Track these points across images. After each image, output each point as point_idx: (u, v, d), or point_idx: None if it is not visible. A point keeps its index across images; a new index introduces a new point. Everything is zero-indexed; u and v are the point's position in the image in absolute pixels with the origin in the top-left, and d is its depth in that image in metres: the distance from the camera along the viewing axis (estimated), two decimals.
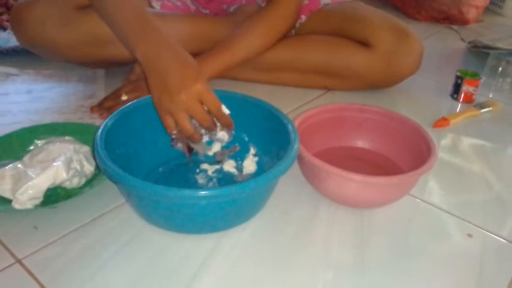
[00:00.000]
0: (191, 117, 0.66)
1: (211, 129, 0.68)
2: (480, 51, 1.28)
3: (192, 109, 0.64)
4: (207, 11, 1.11)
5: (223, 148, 0.72)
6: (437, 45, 1.43)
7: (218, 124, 0.69)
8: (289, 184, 0.71)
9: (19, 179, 0.63)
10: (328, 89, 1.06)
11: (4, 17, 1.30)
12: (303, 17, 1.06)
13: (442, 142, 0.89)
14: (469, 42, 1.37)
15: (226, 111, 0.67)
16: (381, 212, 0.69)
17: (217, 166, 0.73)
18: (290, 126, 0.66)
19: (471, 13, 1.62)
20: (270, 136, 0.71)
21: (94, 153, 0.61)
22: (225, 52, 0.93)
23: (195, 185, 0.70)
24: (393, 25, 0.97)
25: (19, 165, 0.66)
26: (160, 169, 0.73)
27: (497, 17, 1.78)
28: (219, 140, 0.71)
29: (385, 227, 0.66)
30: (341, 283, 0.56)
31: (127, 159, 0.67)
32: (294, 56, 1.01)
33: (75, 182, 0.67)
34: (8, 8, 1.33)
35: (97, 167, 0.70)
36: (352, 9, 1.04)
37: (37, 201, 0.63)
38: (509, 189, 0.76)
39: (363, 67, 0.98)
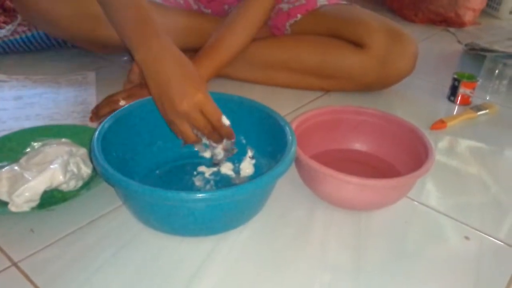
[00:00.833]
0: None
1: (211, 137, 0.69)
2: (477, 54, 1.28)
3: (193, 118, 0.65)
4: (209, 11, 1.11)
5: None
6: (434, 48, 1.43)
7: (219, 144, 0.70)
8: (286, 187, 0.71)
9: (16, 182, 0.63)
10: (322, 90, 1.06)
11: (1, 18, 1.29)
12: (299, 16, 1.06)
13: (439, 144, 0.89)
14: (466, 45, 1.37)
15: (226, 122, 0.67)
16: (378, 215, 0.69)
17: (215, 169, 0.73)
18: (287, 128, 0.66)
19: (468, 16, 1.63)
20: (268, 139, 0.71)
21: (91, 155, 0.61)
22: (213, 53, 0.93)
23: (192, 188, 0.70)
24: (387, 26, 0.98)
25: (16, 168, 0.66)
26: (157, 171, 0.73)
27: (493, 19, 1.79)
28: (216, 154, 0.71)
29: (382, 230, 0.66)
30: (338, 285, 0.56)
31: (124, 162, 0.67)
32: (288, 56, 1.02)
33: (72, 185, 0.66)
34: (5, 9, 1.33)
35: (94, 170, 0.70)
36: (348, 11, 1.04)
37: (34, 204, 0.62)
38: (506, 191, 0.76)
39: (357, 67, 0.99)
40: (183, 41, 0.92)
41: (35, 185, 0.62)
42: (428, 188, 0.76)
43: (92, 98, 0.96)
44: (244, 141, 0.75)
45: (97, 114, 0.83)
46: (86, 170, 0.69)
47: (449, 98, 1.07)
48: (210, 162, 0.73)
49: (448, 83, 1.07)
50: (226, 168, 0.73)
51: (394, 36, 0.97)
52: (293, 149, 0.62)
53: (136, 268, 0.57)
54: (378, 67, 0.98)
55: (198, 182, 0.71)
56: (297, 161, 0.68)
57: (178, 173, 0.73)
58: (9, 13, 1.26)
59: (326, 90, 1.06)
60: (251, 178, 0.72)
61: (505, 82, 1.15)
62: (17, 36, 1.13)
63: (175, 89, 0.64)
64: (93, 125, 0.84)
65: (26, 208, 0.61)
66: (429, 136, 0.73)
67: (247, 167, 0.73)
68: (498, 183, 0.78)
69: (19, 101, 0.95)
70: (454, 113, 1.02)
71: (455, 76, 1.05)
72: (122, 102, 0.81)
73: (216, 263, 0.58)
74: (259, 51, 1.00)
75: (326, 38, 1.02)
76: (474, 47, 1.31)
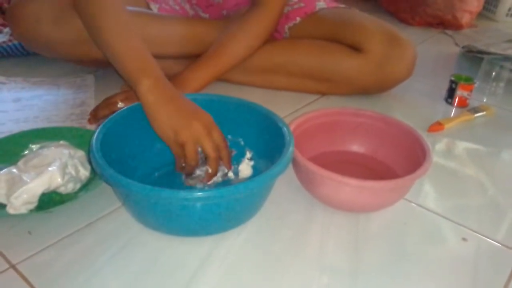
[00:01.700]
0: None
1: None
2: (474, 56, 1.29)
3: (186, 151, 0.66)
4: (207, 16, 1.11)
5: None
6: (431, 50, 1.44)
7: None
8: (284, 189, 0.71)
9: (14, 184, 0.63)
10: (320, 93, 1.06)
11: None
12: (298, 19, 1.06)
13: (437, 146, 0.90)
14: (463, 47, 1.38)
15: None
16: (376, 217, 0.69)
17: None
18: (285, 129, 0.67)
19: (465, 18, 1.63)
20: (266, 140, 0.71)
21: (90, 156, 0.61)
22: (214, 60, 0.95)
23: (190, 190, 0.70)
24: (385, 30, 0.98)
25: (14, 170, 0.66)
26: (156, 173, 0.73)
27: (490, 22, 1.79)
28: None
29: (380, 232, 0.66)
30: (336, 287, 0.56)
31: (122, 164, 0.67)
32: (286, 59, 1.02)
33: (70, 187, 0.66)
34: (3, 12, 1.33)
35: (92, 172, 0.70)
36: (346, 15, 1.05)
37: (32, 206, 0.62)
38: (504, 193, 0.77)
39: (355, 71, 0.99)
40: (180, 48, 0.93)
41: (33, 187, 0.62)
42: (426, 190, 0.76)
43: (90, 100, 0.96)
44: (242, 143, 0.75)
45: (95, 116, 0.83)
46: (84, 173, 0.69)
47: (446, 100, 1.07)
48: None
49: (445, 86, 1.07)
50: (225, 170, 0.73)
51: (392, 40, 0.97)
52: (291, 149, 0.63)
53: (135, 270, 0.57)
54: (376, 71, 0.98)
55: (197, 185, 0.71)
56: (295, 163, 0.68)
57: (177, 175, 0.73)
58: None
59: (324, 94, 1.06)
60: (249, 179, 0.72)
61: (502, 84, 1.15)
62: (16, 42, 1.13)
63: (176, 123, 0.66)
64: (91, 127, 0.84)
65: (24, 210, 0.61)
66: (426, 138, 0.73)
67: (245, 168, 0.73)
68: (496, 185, 0.78)
69: (18, 103, 0.95)
70: (452, 115, 1.02)
71: (453, 79, 1.05)
72: (120, 104, 0.81)
73: (214, 264, 0.58)
74: (257, 55, 1.00)
75: (324, 42, 1.02)
76: (471, 50, 1.32)
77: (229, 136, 0.75)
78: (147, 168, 0.73)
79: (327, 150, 0.80)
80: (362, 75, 0.99)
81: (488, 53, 1.22)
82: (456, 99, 1.05)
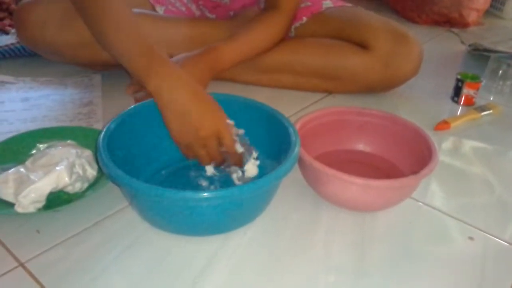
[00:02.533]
0: None
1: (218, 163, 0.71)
2: (480, 54, 1.28)
3: (208, 146, 0.67)
4: (213, 16, 1.12)
5: None
6: (438, 48, 1.43)
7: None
8: (289, 188, 0.72)
9: (22, 183, 0.64)
10: (327, 91, 1.06)
11: (6, 21, 1.30)
12: (304, 19, 1.07)
13: (443, 145, 0.89)
14: (470, 45, 1.37)
15: (239, 149, 0.69)
16: (382, 216, 0.69)
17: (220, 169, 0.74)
18: (291, 129, 0.67)
19: (472, 16, 1.62)
20: (272, 140, 0.71)
21: (97, 155, 0.61)
22: (238, 42, 0.95)
23: (197, 188, 0.71)
24: (391, 28, 0.98)
25: (22, 169, 0.66)
26: (163, 171, 0.74)
27: (497, 20, 1.78)
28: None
29: (386, 231, 0.66)
30: (342, 286, 0.57)
31: (130, 162, 0.67)
32: (292, 58, 1.02)
33: (78, 187, 0.67)
34: (10, 13, 1.34)
35: (99, 171, 0.70)
36: (352, 13, 1.05)
37: (40, 205, 0.63)
38: (511, 191, 0.76)
39: (361, 69, 0.99)
40: (186, 49, 0.93)
41: (41, 186, 0.63)
42: (432, 189, 0.76)
43: (97, 100, 0.97)
44: (249, 142, 0.75)
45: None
46: (92, 172, 0.69)
47: (452, 99, 1.07)
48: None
49: (451, 84, 1.07)
50: (231, 169, 0.73)
51: (398, 37, 0.97)
52: (297, 149, 0.63)
53: (141, 268, 0.57)
54: (382, 69, 0.98)
55: (203, 182, 0.72)
56: (301, 162, 0.68)
57: (184, 173, 0.73)
58: None
59: (330, 92, 1.06)
60: (256, 179, 0.72)
61: (509, 82, 1.15)
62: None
63: (195, 116, 0.65)
64: (98, 126, 0.85)
65: (32, 209, 0.62)
66: (432, 136, 0.73)
67: (251, 168, 0.73)
68: (503, 184, 0.78)
69: (26, 102, 0.96)
70: (458, 113, 1.02)
71: (459, 77, 1.04)
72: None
73: (221, 263, 0.59)
74: (263, 55, 1.00)
75: (330, 40, 1.02)
76: (478, 48, 1.31)
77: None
78: (155, 166, 0.73)
79: (332, 149, 0.80)
80: (368, 73, 0.99)
81: (495, 51, 1.21)
82: (463, 98, 1.04)
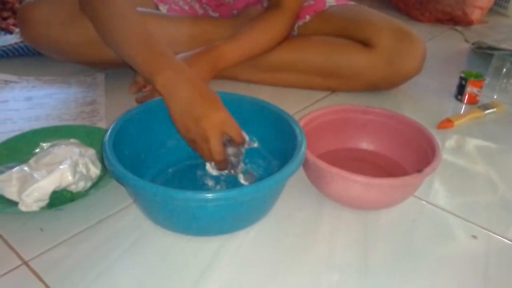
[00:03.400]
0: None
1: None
2: (484, 52, 1.27)
3: (210, 140, 0.66)
4: (217, 15, 1.12)
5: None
6: (441, 47, 1.43)
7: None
8: (293, 187, 0.71)
9: (25, 182, 0.64)
10: (330, 90, 1.06)
11: (10, 21, 1.31)
12: (308, 17, 1.07)
13: (447, 143, 0.89)
14: (473, 43, 1.37)
15: (246, 137, 0.70)
16: (385, 214, 0.69)
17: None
18: (297, 130, 0.67)
19: (475, 14, 1.62)
20: (278, 139, 0.71)
21: (102, 153, 0.61)
22: (240, 41, 0.95)
23: (203, 187, 0.71)
24: (394, 26, 0.98)
25: (25, 168, 0.66)
26: (170, 170, 0.74)
27: (501, 17, 1.77)
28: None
29: (389, 229, 0.66)
30: (346, 285, 0.57)
31: (136, 160, 0.68)
32: (296, 57, 1.02)
33: (81, 185, 0.67)
34: (14, 12, 1.34)
35: (103, 170, 0.70)
36: (355, 11, 1.04)
37: (43, 203, 0.63)
38: None
39: (364, 67, 0.99)
40: (189, 48, 0.93)
41: (44, 185, 0.63)
42: (435, 187, 0.76)
43: (101, 98, 0.97)
44: (256, 142, 0.75)
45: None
46: (95, 171, 0.70)
47: (456, 97, 1.07)
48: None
49: (455, 82, 1.07)
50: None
51: (401, 35, 0.97)
52: (302, 150, 0.62)
53: (144, 267, 0.57)
54: (386, 67, 0.97)
55: (209, 182, 0.72)
56: (304, 161, 0.68)
57: (190, 172, 0.73)
58: None
59: (333, 90, 1.06)
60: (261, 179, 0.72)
61: None
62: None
63: (200, 110, 0.65)
64: (101, 125, 0.85)
65: (35, 207, 0.62)
66: (436, 135, 0.73)
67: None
68: (506, 182, 0.78)
69: (30, 101, 0.96)
70: (461, 112, 1.02)
71: (462, 75, 1.04)
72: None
73: (223, 263, 0.59)
74: (267, 53, 1.00)
75: (333, 38, 1.02)
76: (482, 46, 1.30)
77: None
78: (161, 165, 0.73)
79: (336, 148, 0.80)
80: (372, 70, 0.99)
81: (499, 49, 1.20)
82: (466, 96, 1.04)
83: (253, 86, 1.05)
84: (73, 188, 0.67)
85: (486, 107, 1.01)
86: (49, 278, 0.55)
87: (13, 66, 1.11)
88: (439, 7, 1.62)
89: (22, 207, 0.62)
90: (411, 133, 0.75)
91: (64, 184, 0.65)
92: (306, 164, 0.69)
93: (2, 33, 1.25)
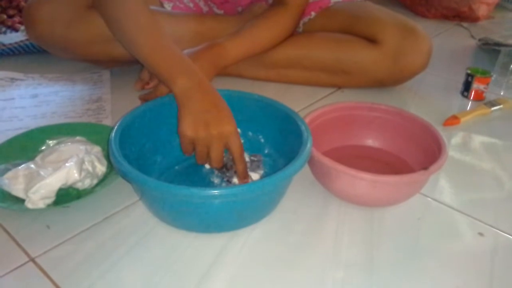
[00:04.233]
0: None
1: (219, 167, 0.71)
2: (490, 48, 1.27)
3: (212, 147, 0.66)
4: (221, 12, 1.11)
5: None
6: (447, 43, 1.42)
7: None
8: (298, 184, 0.71)
9: (32, 179, 0.64)
10: (335, 86, 1.06)
11: (16, 19, 1.31)
12: (313, 14, 1.06)
13: (453, 140, 0.89)
14: (480, 40, 1.36)
15: (246, 159, 0.69)
16: (391, 211, 0.69)
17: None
18: (303, 127, 0.66)
19: (482, 10, 1.61)
20: (284, 137, 0.71)
21: (108, 150, 0.62)
22: (242, 38, 0.95)
23: (209, 184, 0.71)
24: (400, 22, 0.97)
25: (32, 165, 0.67)
26: (176, 167, 0.74)
27: (508, 13, 1.76)
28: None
29: (395, 226, 0.66)
30: (351, 282, 0.57)
31: (143, 157, 0.68)
32: (301, 53, 1.02)
33: (87, 183, 0.67)
34: (20, 10, 1.35)
35: (109, 167, 0.71)
36: (361, 7, 1.04)
37: (49, 201, 0.63)
38: None
39: (370, 63, 0.98)
40: (194, 45, 0.93)
41: (51, 182, 0.63)
42: (441, 184, 0.75)
43: (106, 96, 0.97)
44: (262, 140, 0.75)
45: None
46: (101, 168, 0.70)
47: (462, 94, 1.06)
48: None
49: (461, 79, 1.06)
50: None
51: (407, 31, 0.96)
52: (308, 148, 0.62)
53: (150, 264, 0.58)
54: (391, 63, 0.97)
55: (215, 179, 0.72)
56: (310, 158, 0.68)
57: (196, 169, 0.73)
58: None
59: (339, 87, 1.06)
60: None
61: None
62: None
63: (213, 115, 0.66)
64: (107, 122, 0.85)
65: (42, 205, 0.62)
66: (442, 132, 0.72)
67: (253, 175, 0.73)
68: None
69: (36, 99, 0.96)
70: (468, 108, 1.01)
71: (469, 72, 1.04)
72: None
73: (229, 260, 0.59)
74: (272, 50, 1.00)
75: (338, 35, 1.01)
76: (488, 42, 1.30)
77: (250, 133, 0.75)
78: (168, 162, 0.73)
79: (342, 145, 0.80)
80: (377, 67, 0.98)
81: (506, 45, 1.19)
82: (472, 93, 1.04)
83: (258, 83, 1.05)
84: (79, 185, 0.67)
85: (492, 103, 1.00)
86: (55, 274, 0.56)
87: (19, 63, 1.12)
88: (444, 3, 1.62)
89: (28, 204, 0.62)
90: (417, 130, 0.75)
91: (70, 182, 0.65)
92: (311, 161, 0.69)
93: (8, 31, 1.26)
